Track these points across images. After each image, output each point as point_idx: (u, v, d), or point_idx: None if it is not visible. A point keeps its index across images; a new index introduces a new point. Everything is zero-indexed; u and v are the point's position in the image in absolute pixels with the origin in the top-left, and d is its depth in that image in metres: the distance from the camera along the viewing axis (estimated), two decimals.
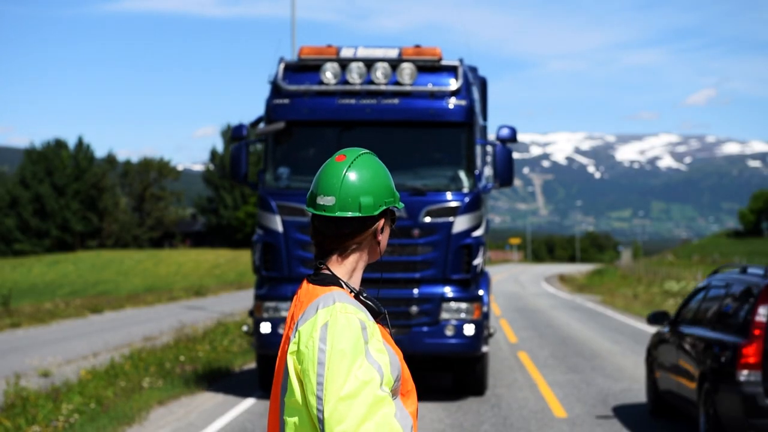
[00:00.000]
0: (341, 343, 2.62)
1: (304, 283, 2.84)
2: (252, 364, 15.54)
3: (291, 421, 2.70)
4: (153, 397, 11.77)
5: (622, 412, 11.16)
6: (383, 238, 2.87)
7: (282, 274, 11.37)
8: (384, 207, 2.83)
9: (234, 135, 11.88)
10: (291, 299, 10.38)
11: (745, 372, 8.30)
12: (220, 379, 14.02)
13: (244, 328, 12.67)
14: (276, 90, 11.60)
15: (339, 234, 2.80)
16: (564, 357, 16.93)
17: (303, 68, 11.63)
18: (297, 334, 2.69)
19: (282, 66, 11.68)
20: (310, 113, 11.46)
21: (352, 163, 2.83)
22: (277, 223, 11.34)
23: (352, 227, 2.80)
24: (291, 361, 2.70)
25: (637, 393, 12.62)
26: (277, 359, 2.86)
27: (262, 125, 11.76)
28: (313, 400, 2.61)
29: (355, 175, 2.81)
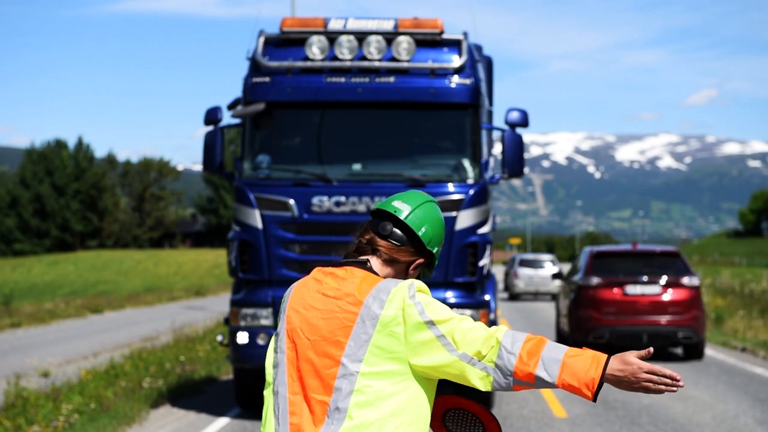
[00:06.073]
0: (431, 298, 2.96)
1: (349, 269, 3.02)
2: None
3: (371, 389, 2.84)
4: (153, 397, 11.75)
5: (623, 413, 11.15)
6: (411, 276, 3.13)
7: (261, 276, 10.05)
8: (433, 249, 3.12)
9: (208, 119, 10.45)
10: (272, 305, 9.99)
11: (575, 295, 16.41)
12: (221, 379, 14.01)
13: (219, 338, 11.19)
14: (255, 67, 10.20)
15: (386, 237, 3.07)
16: None
17: (286, 42, 10.29)
18: (386, 303, 2.88)
19: (262, 40, 10.29)
20: (293, 93, 10.10)
21: (432, 201, 3.17)
22: (256, 219, 10.02)
23: (401, 242, 3.07)
24: (377, 333, 2.87)
25: (637, 393, 12.59)
26: (298, 334, 2.98)
27: (240, 108, 10.38)
28: (440, 356, 2.86)
29: (432, 209, 3.14)
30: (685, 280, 15.81)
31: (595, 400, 2.79)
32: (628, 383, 2.79)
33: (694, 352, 15.90)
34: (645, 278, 15.78)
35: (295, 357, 2.95)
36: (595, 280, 15.93)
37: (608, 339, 15.55)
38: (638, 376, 2.77)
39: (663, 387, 2.78)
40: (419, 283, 2.95)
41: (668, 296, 15.65)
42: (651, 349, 2.79)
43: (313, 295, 2.99)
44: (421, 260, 3.10)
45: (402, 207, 3.08)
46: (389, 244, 3.06)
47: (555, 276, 19.82)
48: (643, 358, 2.80)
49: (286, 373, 2.95)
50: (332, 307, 2.93)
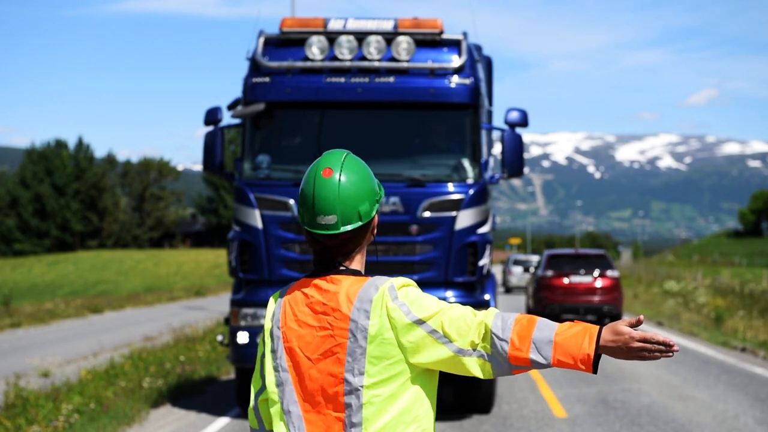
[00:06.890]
0: (415, 293, 2.89)
1: (329, 276, 2.94)
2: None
3: (378, 398, 2.83)
4: (153, 397, 11.75)
5: (623, 413, 11.15)
6: (376, 228, 3.06)
7: (262, 276, 10.06)
8: (377, 205, 2.97)
9: (208, 119, 10.47)
10: None
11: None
12: (221, 379, 14.01)
13: (219, 337, 11.33)
14: (255, 67, 10.22)
15: (343, 243, 2.95)
16: None
17: (286, 42, 10.31)
18: (370, 313, 2.84)
19: (262, 40, 10.30)
20: (293, 93, 10.12)
21: (341, 173, 2.89)
22: (256, 219, 10.03)
23: (355, 233, 2.94)
24: (369, 344, 2.83)
25: (637, 393, 12.61)
26: (297, 353, 2.94)
27: (240, 108, 10.39)
28: (436, 352, 2.83)
29: (348, 186, 2.89)
30: (609, 272, 22.36)
31: (595, 372, 2.76)
32: (623, 352, 2.76)
33: (615, 321, 24.52)
34: (582, 271, 22.34)
35: (298, 375, 2.93)
36: (549, 273, 22.52)
37: (558, 312, 21.97)
38: (631, 345, 2.74)
39: (658, 354, 2.74)
40: (400, 281, 2.89)
41: (598, 284, 22.22)
42: (642, 316, 2.77)
43: (303, 309, 2.94)
44: (374, 223, 3.00)
45: (329, 221, 2.89)
46: (342, 248, 2.95)
47: (525, 270, 28.01)
48: (633, 326, 2.77)
49: (294, 392, 2.93)
50: (324, 323, 2.90)
